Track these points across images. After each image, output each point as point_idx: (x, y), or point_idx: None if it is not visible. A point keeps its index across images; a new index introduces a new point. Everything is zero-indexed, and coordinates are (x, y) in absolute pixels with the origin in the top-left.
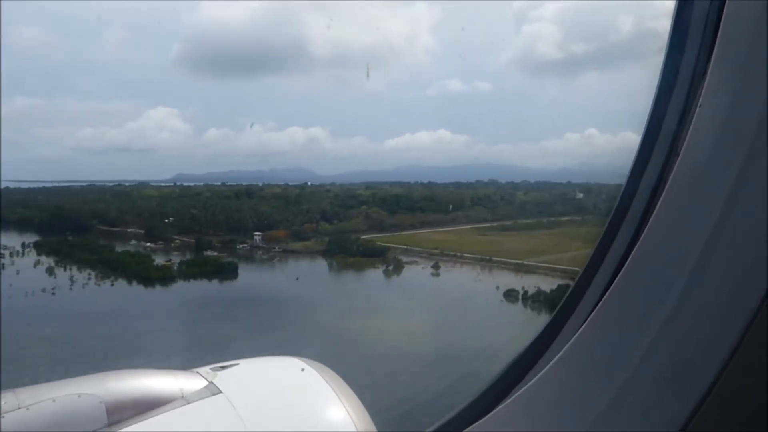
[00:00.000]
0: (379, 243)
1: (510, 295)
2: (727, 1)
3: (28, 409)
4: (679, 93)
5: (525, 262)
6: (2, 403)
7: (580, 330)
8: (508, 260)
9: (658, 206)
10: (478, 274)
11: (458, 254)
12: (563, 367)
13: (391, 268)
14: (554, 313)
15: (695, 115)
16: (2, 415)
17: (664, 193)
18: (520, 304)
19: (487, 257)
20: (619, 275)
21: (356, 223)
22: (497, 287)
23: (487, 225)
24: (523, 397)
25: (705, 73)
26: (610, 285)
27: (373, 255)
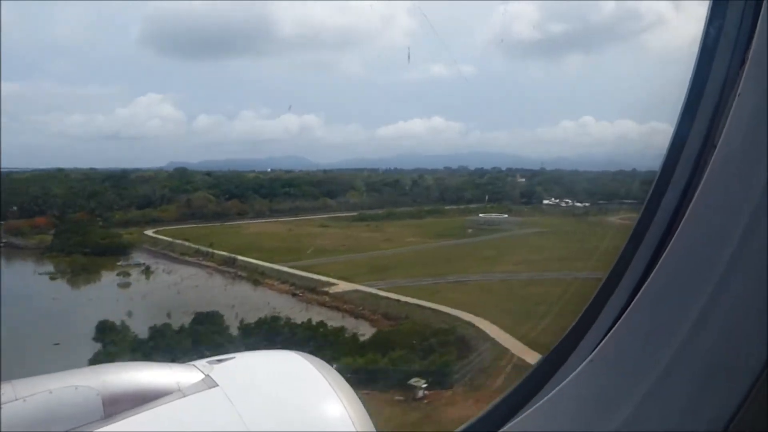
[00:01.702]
0: (140, 236)
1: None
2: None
3: (24, 400)
4: (714, 84)
5: (277, 267)
6: None
7: (614, 328)
8: (257, 263)
9: (693, 200)
10: (180, 280)
11: (209, 253)
12: (598, 365)
13: (73, 272)
14: (582, 312)
15: (733, 106)
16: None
17: (699, 188)
18: (118, 332)
19: (232, 258)
20: (654, 271)
21: (171, 211)
22: (159, 308)
23: (354, 213)
24: (557, 396)
25: (743, 62)
26: (643, 281)
27: (96, 254)
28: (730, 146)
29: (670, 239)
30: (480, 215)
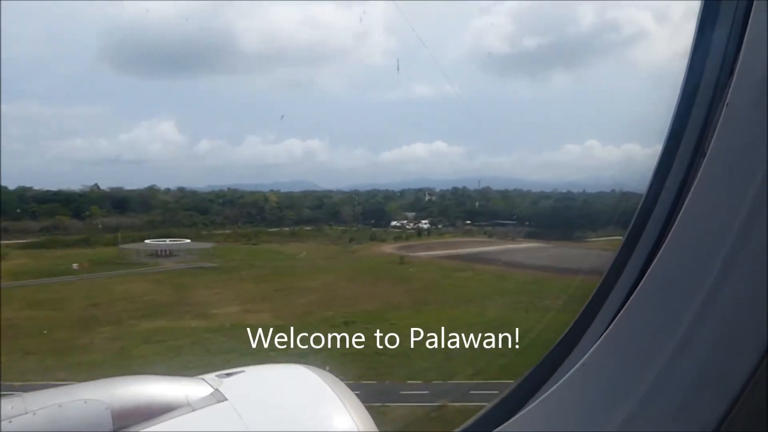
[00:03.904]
0: None
1: None
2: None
3: (34, 414)
4: (705, 93)
5: None
6: (9, 407)
7: (606, 331)
8: None
9: (684, 207)
10: None
11: None
12: (592, 367)
13: None
14: (579, 313)
15: (722, 115)
16: (9, 420)
17: (690, 194)
18: None
19: None
20: (646, 274)
21: None
22: None
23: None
24: (551, 397)
25: (731, 72)
26: (636, 286)
27: None
28: (720, 155)
29: (662, 245)
30: (147, 242)
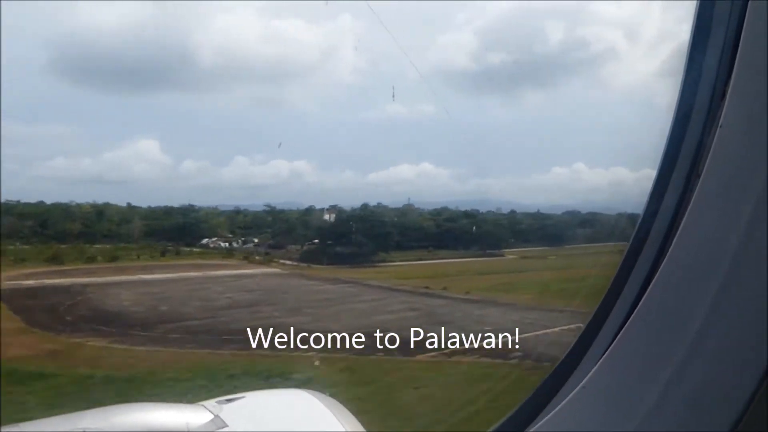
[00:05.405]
0: None
1: None
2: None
3: None
4: (699, 112)
5: None
6: None
7: (606, 353)
8: None
9: (680, 227)
10: None
11: None
12: (592, 389)
13: None
14: (579, 335)
15: (716, 135)
16: None
17: (686, 215)
18: None
19: None
20: (645, 294)
21: None
22: None
23: None
24: (551, 422)
25: (724, 93)
26: (635, 307)
27: None
28: (715, 175)
29: (661, 264)
30: None
